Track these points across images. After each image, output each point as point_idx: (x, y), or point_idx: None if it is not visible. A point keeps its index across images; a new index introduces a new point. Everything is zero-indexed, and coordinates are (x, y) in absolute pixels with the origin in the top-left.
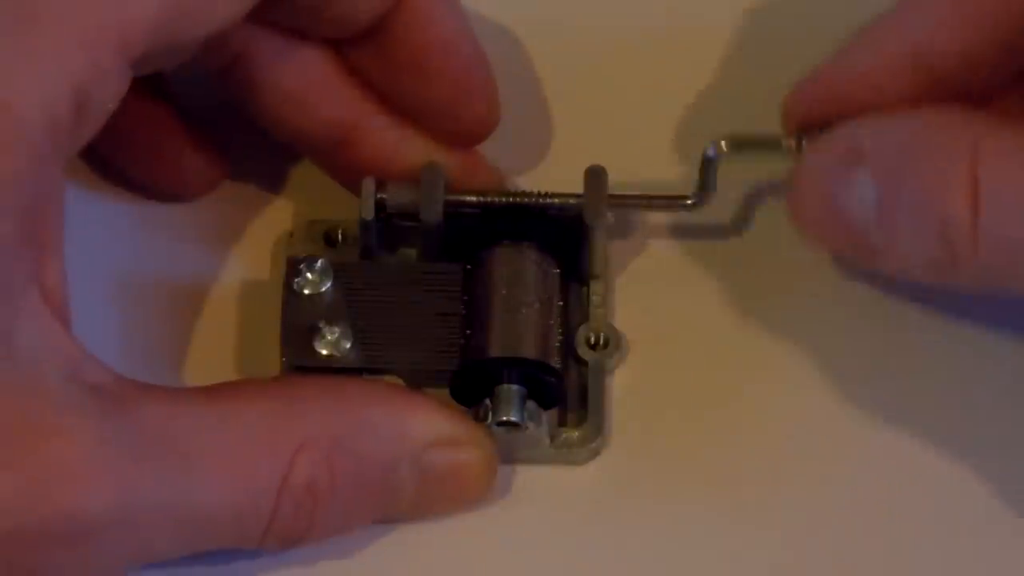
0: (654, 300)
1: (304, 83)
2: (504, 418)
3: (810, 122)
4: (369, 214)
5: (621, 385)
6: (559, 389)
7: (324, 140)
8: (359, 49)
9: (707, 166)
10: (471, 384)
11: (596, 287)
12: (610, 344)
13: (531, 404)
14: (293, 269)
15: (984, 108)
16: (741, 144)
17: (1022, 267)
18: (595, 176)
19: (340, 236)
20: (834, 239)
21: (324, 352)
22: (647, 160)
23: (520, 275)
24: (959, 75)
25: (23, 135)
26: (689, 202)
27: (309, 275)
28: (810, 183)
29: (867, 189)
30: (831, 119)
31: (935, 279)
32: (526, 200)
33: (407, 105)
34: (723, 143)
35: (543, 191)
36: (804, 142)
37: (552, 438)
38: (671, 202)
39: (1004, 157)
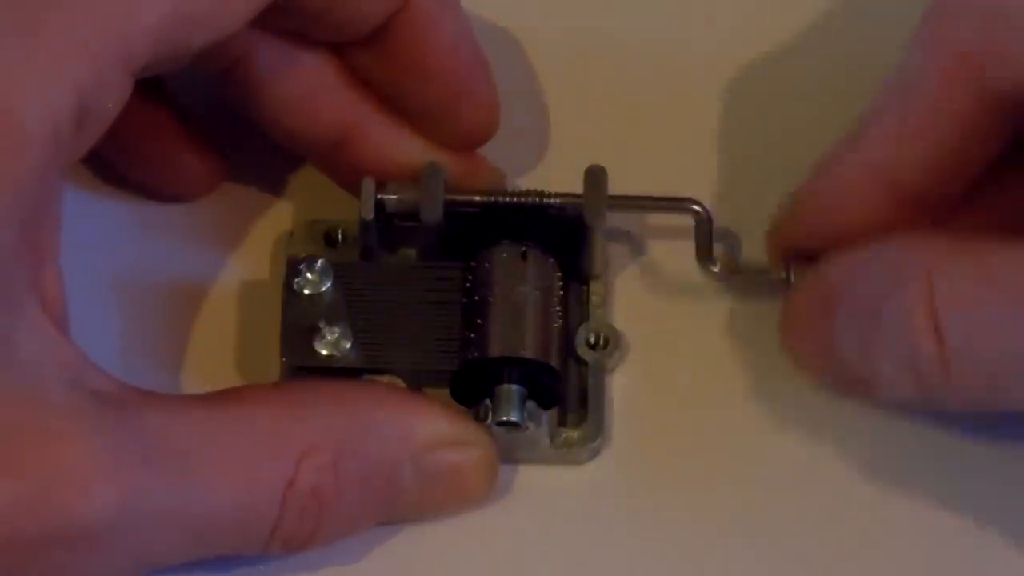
0: (654, 300)
1: (305, 87)
2: (504, 418)
3: (796, 250)
4: (369, 214)
5: (621, 385)
6: (559, 389)
7: (324, 142)
8: (360, 51)
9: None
10: (471, 384)
11: (596, 287)
12: (610, 344)
13: (531, 404)
14: (293, 269)
15: (961, 213)
16: (732, 271)
17: (1003, 381)
18: (595, 176)
19: (340, 236)
20: (828, 376)
21: (324, 352)
22: (647, 160)
23: (520, 275)
24: (926, 186)
25: (25, 144)
26: (691, 205)
27: (309, 275)
28: (797, 327)
29: (845, 331)
30: (815, 247)
31: (927, 406)
32: (526, 200)
33: (407, 107)
34: (715, 268)
35: (543, 191)
36: (792, 274)
37: (552, 438)
38: (671, 203)
39: (957, 275)
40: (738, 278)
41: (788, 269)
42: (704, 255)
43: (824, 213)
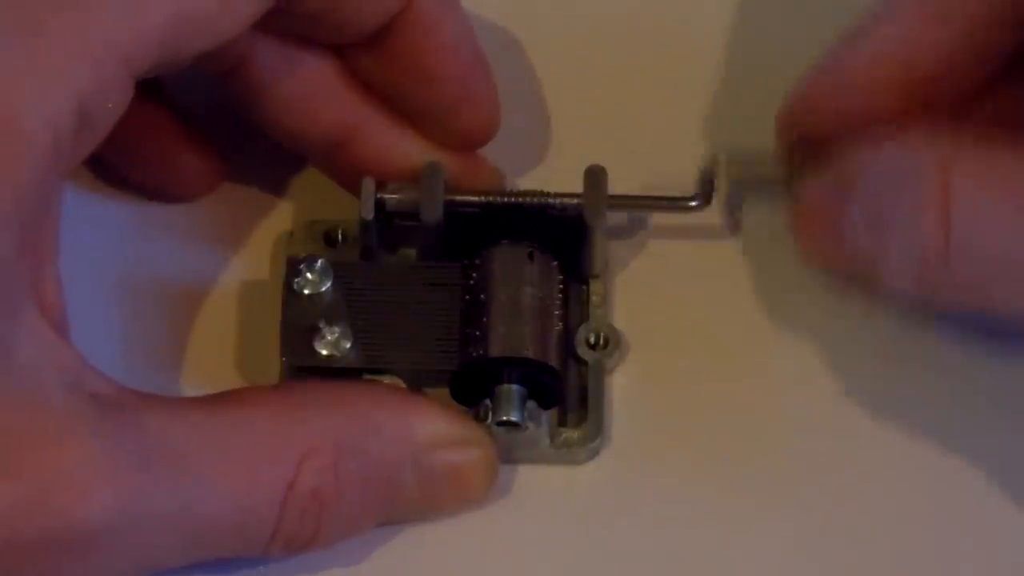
0: (654, 300)
1: (306, 88)
2: (504, 418)
3: (805, 137)
4: (369, 214)
5: (621, 385)
6: (559, 389)
7: (325, 143)
8: (361, 52)
9: (705, 175)
10: (471, 384)
11: (596, 287)
12: (610, 344)
13: (531, 404)
14: (293, 269)
15: (974, 106)
16: (737, 160)
17: (996, 284)
18: (595, 176)
19: (340, 236)
20: (836, 264)
21: (324, 352)
22: (647, 160)
23: (520, 275)
24: (940, 73)
25: (27, 149)
26: (691, 203)
27: (309, 275)
28: (810, 214)
29: (858, 217)
30: (825, 133)
31: (925, 299)
32: (526, 200)
33: (408, 108)
34: (721, 157)
35: (543, 191)
36: (799, 159)
37: (552, 438)
38: (671, 203)
39: (972, 179)
40: (745, 165)
41: (796, 154)
42: (703, 196)
43: (837, 94)
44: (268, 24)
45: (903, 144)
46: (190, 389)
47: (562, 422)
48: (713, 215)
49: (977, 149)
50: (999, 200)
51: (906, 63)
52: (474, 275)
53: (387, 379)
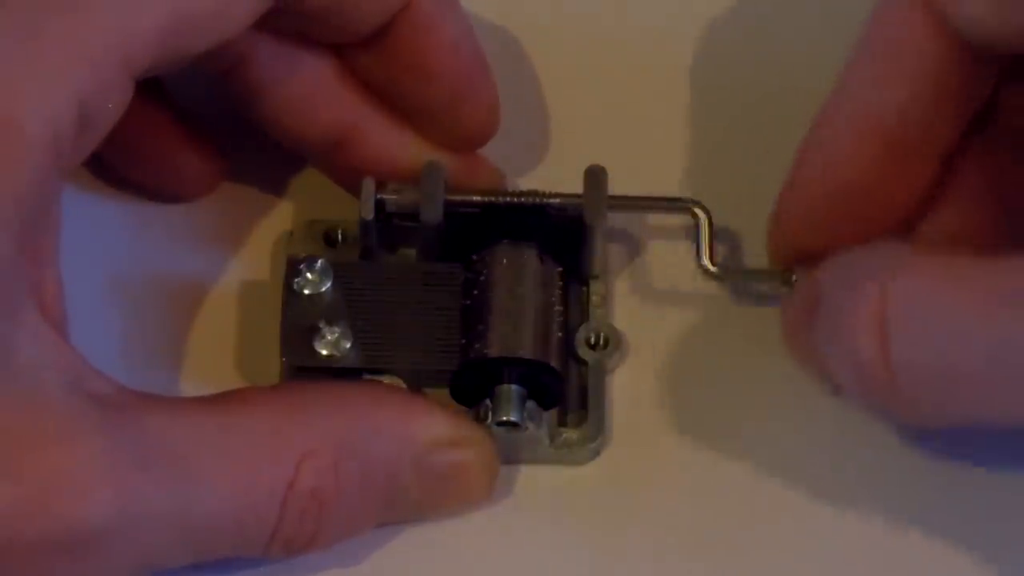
0: (654, 300)
1: (305, 88)
2: (504, 418)
3: (798, 251)
4: (369, 214)
5: (621, 385)
6: (559, 389)
7: (325, 143)
8: (361, 52)
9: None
10: (471, 384)
11: (596, 287)
12: (610, 344)
13: (531, 404)
14: (293, 269)
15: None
16: (733, 272)
17: (943, 396)
18: (595, 176)
19: (340, 236)
20: (815, 373)
21: (324, 352)
22: (647, 160)
23: (520, 275)
24: (915, 131)
25: (27, 151)
26: (692, 205)
27: (309, 275)
28: (789, 327)
29: (820, 333)
30: (815, 244)
31: (880, 411)
32: (526, 200)
33: (408, 108)
34: (713, 269)
35: (543, 191)
36: (794, 278)
37: (552, 438)
38: (671, 203)
39: (911, 294)
40: (738, 279)
41: (789, 274)
42: (703, 254)
43: (819, 174)
44: (268, 23)
45: (855, 251)
46: (190, 389)
47: (562, 422)
48: (713, 215)
49: (926, 254)
50: (938, 312)
51: (879, 129)
52: (474, 275)
53: (387, 379)
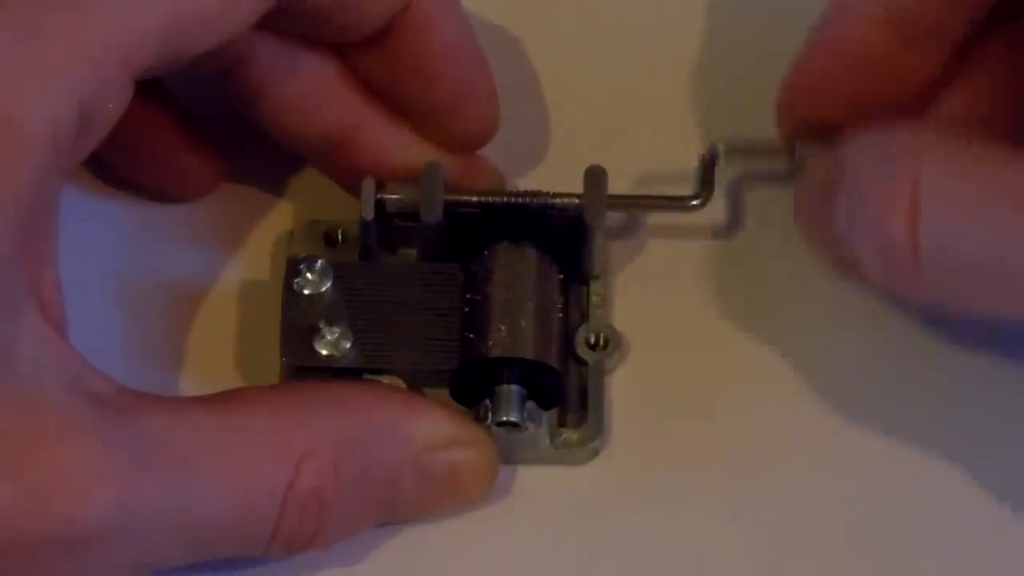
0: (654, 300)
1: (306, 88)
2: (504, 418)
3: (805, 119)
4: (369, 214)
5: (621, 385)
6: (559, 389)
7: (325, 143)
8: (361, 52)
9: (706, 168)
10: (471, 384)
11: (596, 287)
12: (610, 344)
13: (531, 404)
14: (293, 269)
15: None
16: (738, 149)
17: (965, 286)
18: (595, 176)
19: (340, 236)
20: (826, 255)
21: (324, 352)
22: (647, 160)
23: (520, 275)
24: (931, 15)
25: (27, 150)
26: (690, 203)
27: (309, 275)
28: (803, 207)
29: (841, 212)
30: (824, 115)
31: (902, 296)
32: (526, 200)
33: (408, 108)
34: (721, 147)
35: (543, 191)
36: (799, 149)
37: (552, 438)
38: (671, 203)
39: (943, 179)
40: (745, 155)
41: (795, 145)
42: (704, 189)
43: (833, 46)
44: (268, 23)
45: (883, 133)
46: (190, 389)
47: (562, 422)
48: (713, 214)
49: (957, 143)
50: (972, 196)
51: (897, 11)
52: (474, 275)
53: (387, 379)
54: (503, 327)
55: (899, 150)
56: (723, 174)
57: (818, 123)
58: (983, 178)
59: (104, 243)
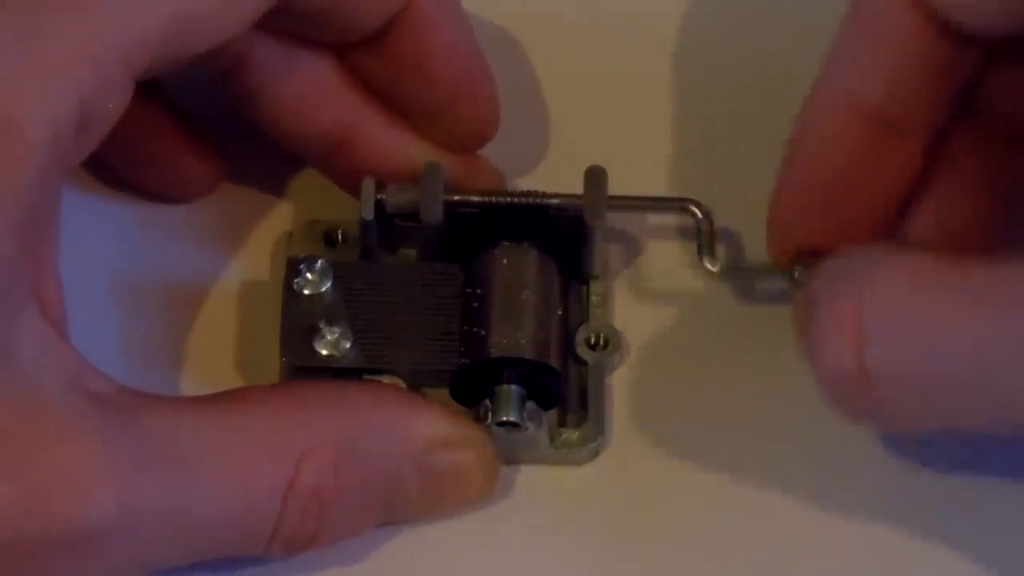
0: (654, 300)
1: (305, 89)
2: (504, 418)
3: (796, 245)
4: (369, 214)
5: (621, 385)
6: (559, 390)
7: (325, 144)
8: (361, 52)
9: (704, 233)
10: (471, 384)
11: (596, 287)
12: (610, 344)
13: (531, 404)
14: (293, 269)
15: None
16: (737, 269)
17: (920, 406)
18: (595, 176)
19: (340, 236)
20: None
21: (324, 352)
22: (647, 160)
23: (520, 275)
24: (900, 111)
25: (27, 150)
26: (691, 206)
27: (309, 275)
28: (796, 328)
29: (807, 339)
30: (814, 234)
31: (859, 422)
32: (526, 200)
33: (407, 108)
34: (714, 268)
35: (543, 191)
36: (797, 272)
37: (552, 438)
38: (671, 203)
39: (886, 299)
40: (740, 277)
41: (792, 268)
42: (704, 254)
43: (809, 164)
44: (268, 23)
45: (839, 255)
46: (190, 389)
47: (562, 422)
48: (713, 215)
49: (894, 262)
50: (913, 317)
51: (865, 109)
52: (474, 275)
53: (387, 379)
54: (503, 327)
55: (844, 271)
56: (724, 172)
57: (810, 244)
58: (932, 291)
59: (104, 243)
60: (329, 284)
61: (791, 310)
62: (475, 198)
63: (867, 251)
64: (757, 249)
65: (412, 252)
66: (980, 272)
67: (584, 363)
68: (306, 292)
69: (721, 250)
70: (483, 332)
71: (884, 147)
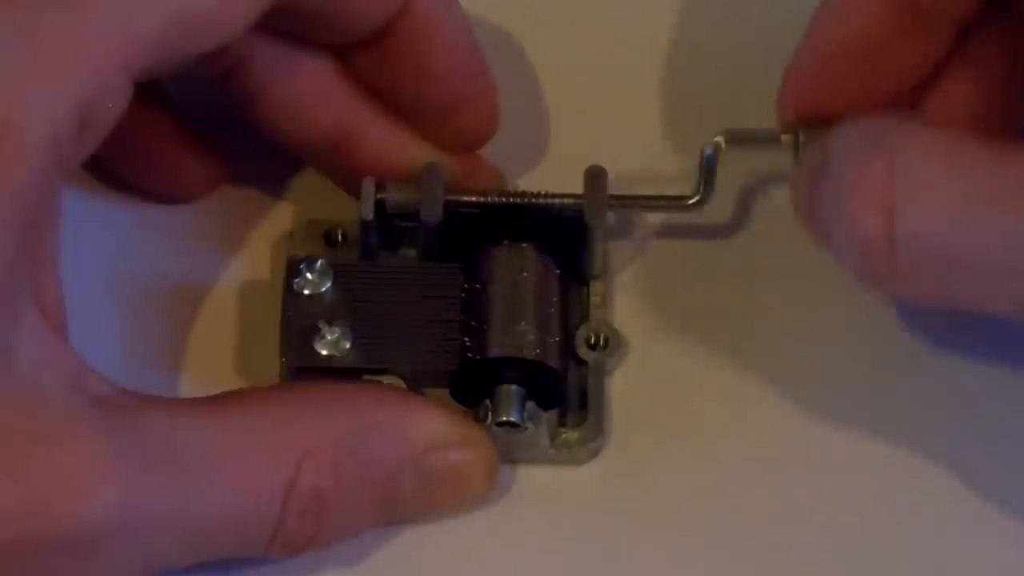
0: (654, 300)
1: (305, 90)
2: (504, 418)
3: (807, 108)
4: (369, 214)
5: (621, 385)
6: (559, 390)
7: (324, 145)
8: (360, 53)
9: (707, 165)
10: (471, 384)
11: (596, 287)
12: (610, 344)
13: (531, 404)
14: (293, 269)
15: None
16: (740, 139)
17: (945, 280)
18: (595, 176)
19: (340, 236)
20: (819, 243)
21: (324, 352)
22: (647, 160)
23: (520, 275)
24: (935, 2)
25: (27, 152)
26: (690, 202)
27: (309, 275)
28: (796, 193)
29: (824, 199)
30: (827, 103)
31: (880, 290)
32: (526, 200)
33: (407, 109)
34: (721, 140)
35: (543, 191)
36: (801, 138)
37: (552, 438)
38: (671, 202)
39: (919, 172)
40: (746, 145)
41: (797, 134)
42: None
43: (832, 32)
44: (267, 25)
45: (863, 122)
46: (190, 389)
47: (562, 422)
48: (713, 215)
49: (937, 133)
50: (946, 195)
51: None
52: (474, 275)
53: (387, 379)
54: (503, 327)
55: (873, 137)
56: (724, 172)
57: (821, 111)
58: (966, 169)
59: (104, 243)
60: (329, 284)
61: (790, 181)
62: (475, 198)
63: (897, 118)
64: (760, 243)
65: (412, 252)
66: (1011, 161)
67: (584, 363)
68: (306, 292)
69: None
70: (483, 332)
71: (910, 30)
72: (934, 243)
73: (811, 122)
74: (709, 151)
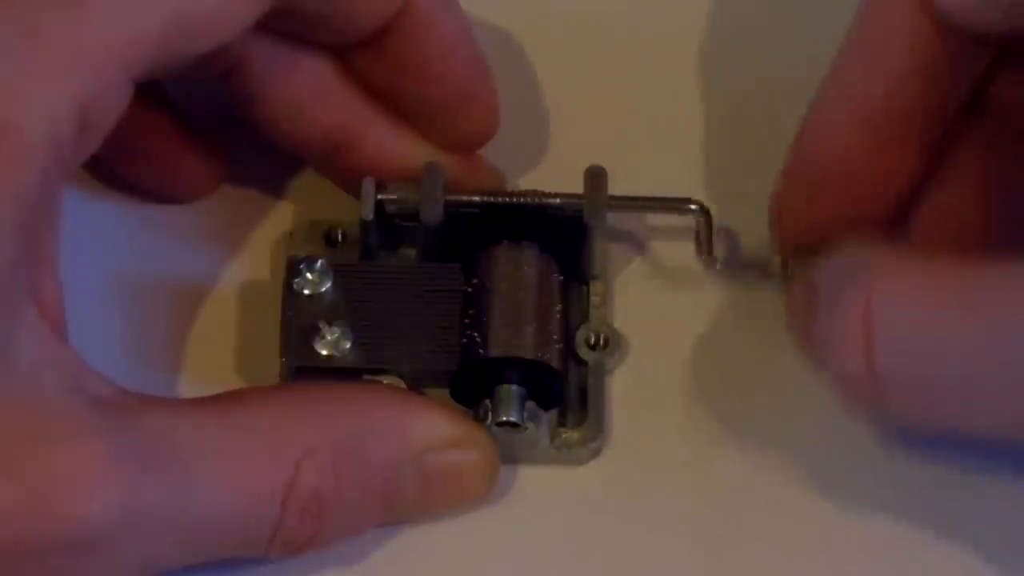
0: (654, 300)
1: (304, 90)
2: (504, 418)
3: (800, 238)
4: (369, 214)
5: (621, 385)
6: (559, 390)
7: (324, 145)
8: (359, 53)
9: (703, 229)
10: (471, 384)
11: (596, 287)
12: (610, 344)
13: (531, 404)
14: (293, 269)
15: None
16: (732, 264)
17: (930, 406)
18: (595, 176)
19: (340, 236)
20: (818, 367)
21: (324, 352)
22: (647, 160)
23: (520, 275)
24: (903, 117)
25: (27, 153)
26: (690, 206)
27: (309, 275)
28: (790, 321)
29: (816, 335)
30: (814, 229)
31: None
32: (526, 200)
33: (407, 109)
34: (717, 266)
35: (543, 191)
36: (790, 267)
37: (552, 438)
38: (671, 203)
39: (894, 304)
40: (738, 271)
41: (787, 263)
42: (704, 252)
43: (813, 160)
44: (268, 24)
45: (839, 260)
46: (190, 389)
47: (562, 422)
48: (713, 215)
49: (913, 259)
50: (920, 322)
51: (867, 113)
52: (474, 275)
53: (387, 379)
54: (503, 327)
55: (851, 272)
56: (724, 172)
57: (813, 237)
58: (937, 294)
59: (104, 243)
60: (329, 284)
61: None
62: (475, 198)
63: (872, 250)
64: (756, 247)
65: (412, 252)
66: (982, 276)
67: (584, 363)
68: (306, 292)
69: (719, 247)
70: (483, 332)
71: (888, 149)
72: (911, 374)
73: (804, 245)
74: (702, 216)
